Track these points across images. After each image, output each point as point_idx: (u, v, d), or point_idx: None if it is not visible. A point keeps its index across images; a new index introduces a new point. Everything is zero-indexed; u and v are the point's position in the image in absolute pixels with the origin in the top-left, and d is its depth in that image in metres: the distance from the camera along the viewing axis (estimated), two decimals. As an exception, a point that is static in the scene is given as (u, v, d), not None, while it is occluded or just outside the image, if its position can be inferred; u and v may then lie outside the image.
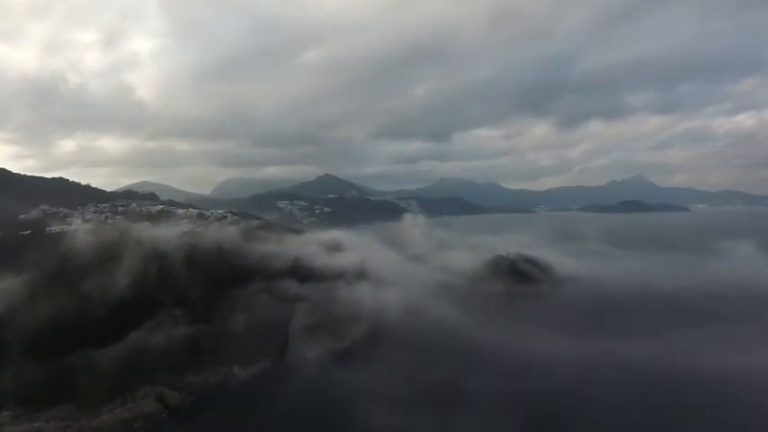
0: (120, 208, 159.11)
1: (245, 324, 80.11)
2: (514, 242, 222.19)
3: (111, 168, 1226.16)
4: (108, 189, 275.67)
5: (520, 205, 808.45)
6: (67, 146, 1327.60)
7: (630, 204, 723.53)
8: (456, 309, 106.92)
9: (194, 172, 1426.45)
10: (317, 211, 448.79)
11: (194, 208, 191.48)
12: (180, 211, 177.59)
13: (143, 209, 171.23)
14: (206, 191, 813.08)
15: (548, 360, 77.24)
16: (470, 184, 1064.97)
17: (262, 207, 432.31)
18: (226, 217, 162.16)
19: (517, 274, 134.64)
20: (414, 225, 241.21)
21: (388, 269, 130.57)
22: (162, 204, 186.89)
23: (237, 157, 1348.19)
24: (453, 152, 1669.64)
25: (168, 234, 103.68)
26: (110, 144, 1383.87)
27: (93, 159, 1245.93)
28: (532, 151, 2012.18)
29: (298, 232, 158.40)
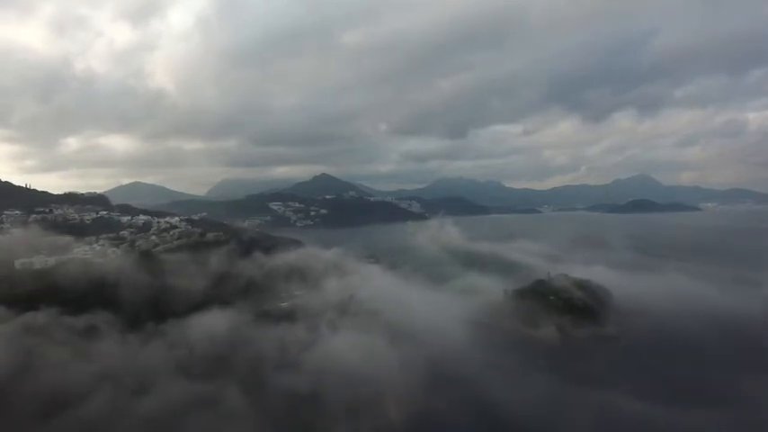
0: (35, 216, 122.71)
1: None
2: (537, 252, 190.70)
3: (114, 168, 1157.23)
4: (102, 190, 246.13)
5: (523, 205, 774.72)
6: (71, 144, 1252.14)
7: (640, 204, 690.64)
8: (503, 379, 69.95)
9: (197, 172, 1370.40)
10: (312, 213, 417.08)
11: (147, 214, 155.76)
12: (124, 219, 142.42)
13: (76, 216, 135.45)
14: (202, 191, 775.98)
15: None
16: (472, 183, 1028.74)
17: (254, 209, 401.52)
18: (176, 227, 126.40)
19: (569, 307, 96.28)
20: (420, 230, 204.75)
21: (389, 302, 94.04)
22: (105, 210, 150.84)
23: (242, 156, 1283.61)
24: (465, 150, 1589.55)
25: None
26: (115, 142, 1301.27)
27: (96, 159, 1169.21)
28: (548, 148, 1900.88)
29: (268, 246, 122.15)
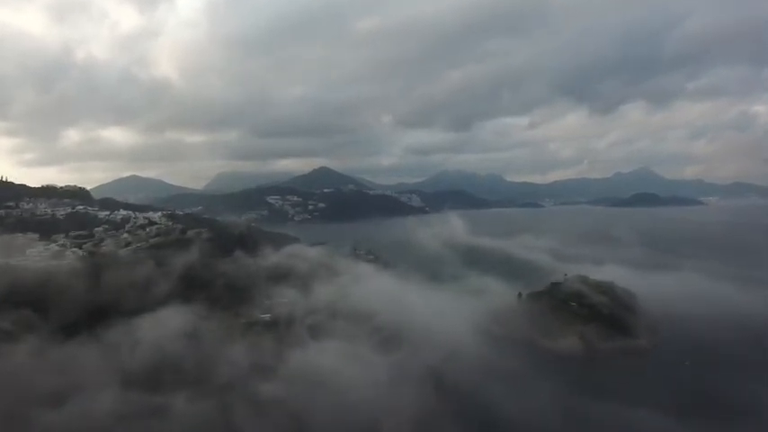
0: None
1: None
2: (545, 249, 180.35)
3: (113, 162, 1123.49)
4: (99, 184, 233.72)
5: (524, 199, 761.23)
6: (71, 136, 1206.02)
7: (643, 198, 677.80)
8: (518, 397, 59.45)
9: (195, 165, 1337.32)
10: (310, 207, 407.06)
11: (130, 209, 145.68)
12: (102, 215, 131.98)
13: (48, 211, 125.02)
14: (200, 185, 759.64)
15: None
16: (472, 176, 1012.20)
17: (252, 203, 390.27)
18: (155, 224, 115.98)
19: (593, 315, 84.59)
20: (421, 224, 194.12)
21: (385, 304, 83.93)
22: (83, 205, 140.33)
23: (242, 149, 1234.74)
24: (469, 143, 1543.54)
25: None
26: (114, 134, 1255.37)
27: (95, 152, 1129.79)
28: (552, 141, 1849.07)
29: (258, 243, 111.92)
